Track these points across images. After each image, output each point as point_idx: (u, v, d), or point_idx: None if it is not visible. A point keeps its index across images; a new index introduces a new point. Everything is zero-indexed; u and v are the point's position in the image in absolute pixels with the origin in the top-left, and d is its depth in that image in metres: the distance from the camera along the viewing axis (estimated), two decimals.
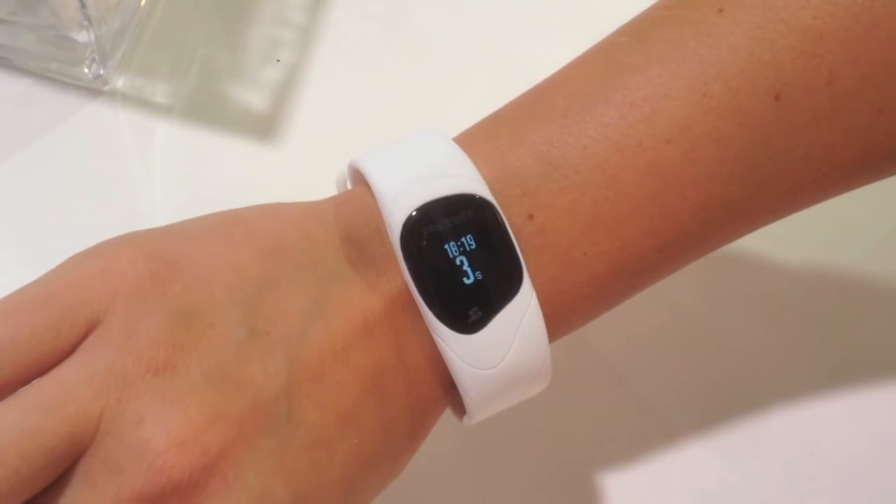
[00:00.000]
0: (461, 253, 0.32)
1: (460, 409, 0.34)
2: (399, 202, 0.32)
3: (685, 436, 0.43)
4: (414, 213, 0.32)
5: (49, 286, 0.30)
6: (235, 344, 0.30)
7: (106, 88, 0.49)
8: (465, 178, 0.32)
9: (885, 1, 0.33)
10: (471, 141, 0.34)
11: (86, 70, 0.48)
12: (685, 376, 0.45)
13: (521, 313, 0.32)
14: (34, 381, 0.29)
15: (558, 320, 0.33)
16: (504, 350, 0.32)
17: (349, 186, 0.35)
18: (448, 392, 0.33)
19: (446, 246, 0.32)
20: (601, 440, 0.43)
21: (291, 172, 0.48)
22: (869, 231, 0.49)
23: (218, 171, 0.48)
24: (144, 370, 0.29)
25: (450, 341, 0.31)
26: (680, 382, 0.45)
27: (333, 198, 0.34)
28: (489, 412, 0.34)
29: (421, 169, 0.32)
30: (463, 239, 0.32)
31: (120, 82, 0.49)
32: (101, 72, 0.48)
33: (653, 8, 0.36)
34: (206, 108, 0.49)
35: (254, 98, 0.49)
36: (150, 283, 0.30)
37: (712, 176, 0.33)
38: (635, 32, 0.35)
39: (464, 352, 0.32)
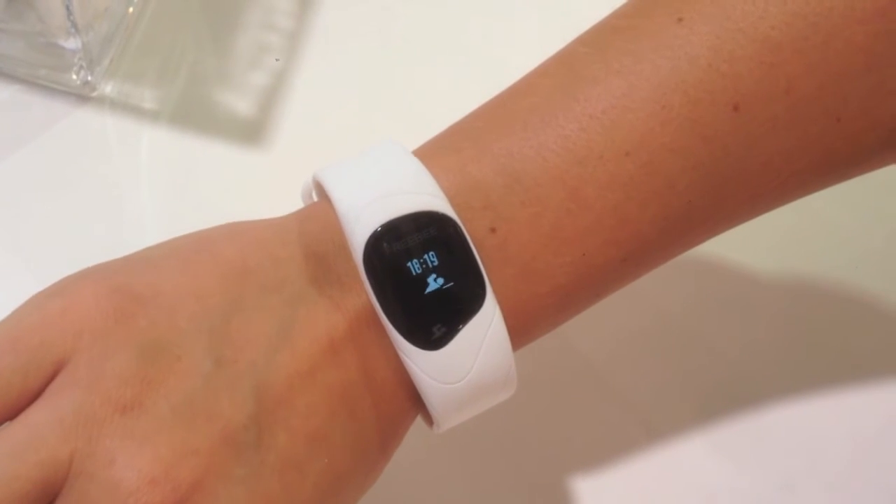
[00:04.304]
0: (424, 269, 0.32)
1: (429, 418, 0.34)
2: (361, 221, 0.32)
3: (669, 438, 0.44)
4: (376, 231, 0.32)
5: (13, 329, 0.30)
6: (202, 376, 0.30)
7: (94, 94, 0.49)
8: (426, 195, 0.32)
9: (842, 11, 0.33)
10: (432, 154, 0.34)
11: (74, 76, 0.48)
12: (669, 379, 0.45)
13: (485, 327, 0.32)
14: (3, 426, 0.30)
15: (522, 331, 0.34)
16: (469, 364, 0.32)
17: (314, 198, 0.36)
18: (416, 404, 0.33)
19: (409, 263, 0.32)
20: (584, 443, 0.43)
21: (278, 177, 0.48)
22: (856, 239, 0.49)
23: (205, 176, 0.48)
24: (113, 410, 0.29)
25: (415, 357, 0.32)
26: (664, 385, 0.45)
27: (297, 213, 0.35)
28: (457, 421, 0.34)
29: (382, 186, 0.33)
30: (426, 255, 0.32)
31: (108, 88, 0.49)
32: (89, 78, 0.48)
33: (612, 17, 0.36)
34: (194, 113, 0.49)
35: (241, 103, 0.50)
36: (115, 319, 0.30)
37: (672, 186, 0.33)
38: (594, 42, 0.35)
39: (429, 367, 0.32)
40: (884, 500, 0.43)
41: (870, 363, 0.46)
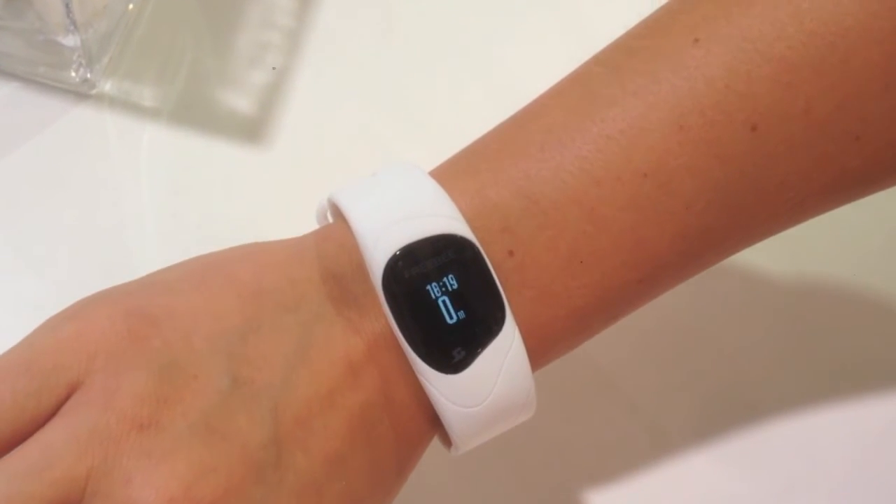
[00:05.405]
0: (443, 293, 0.32)
1: (447, 439, 0.34)
2: (380, 245, 0.32)
3: (676, 443, 0.44)
4: (395, 255, 0.32)
5: (27, 352, 0.30)
6: (219, 394, 0.30)
7: (93, 92, 0.49)
8: (445, 218, 0.32)
9: (859, 31, 0.33)
10: (449, 175, 0.34)
11: (73, 74, 0.48)
12: (678, 383, 0.45)
13: (505, 350, 0.32)
14: (19, 447, 0.29)
15: (540, 353, 0.34)
16: (489, 387, 0.32)
17: (329, 218, 0.35)
18: (434, 426, 0.33)
19: (428, 287, 0.32)
20: (591, 446, 0.44)
21: (278, 176, 0.48)
22: (862, 241, 0.49)
23: (205, 175, 0.48)
24: (129, 428, 0.29)
25: (434, 382, 0.32)
26: (672, 389, 0.45)
27: (314, 234, 0.34)
28: (477, 443, 0.34)
29: (401, 210, 0.32)
30: (445, 279, 0.32)
31: (107, 86, 0.49)
32: (89, 75, 0.48)
33: (626, 37, 0.36)
34: (194, 111, 0.49)
35: (241, 102, 0.49)
36: (129, 340, 0.30)
37: (690, 207, 0.33)
38: (610, 63, 0.35)
39: (449, 391, 0.32)
40: None
41: (874, 365, 0.46)
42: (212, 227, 0.47)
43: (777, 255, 0.48)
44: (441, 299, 0.32)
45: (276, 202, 0.48)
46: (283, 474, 0.30)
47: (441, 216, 0.32)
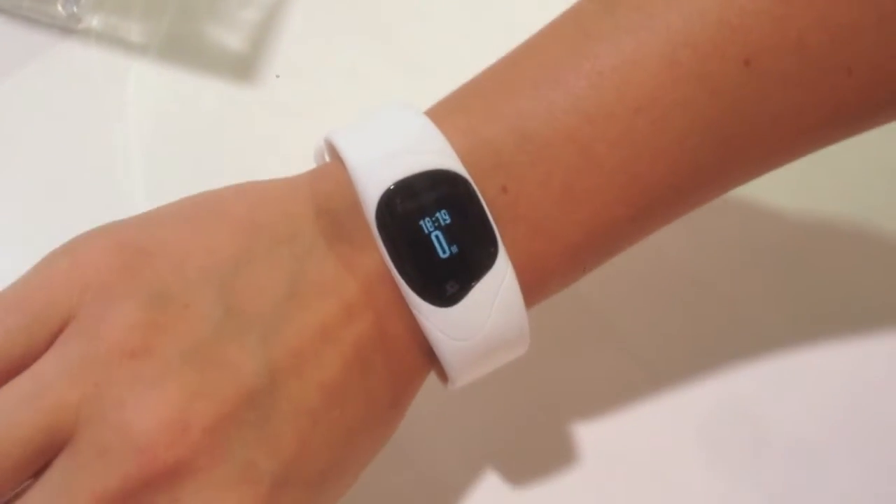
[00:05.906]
0: (436, 228, 0.32)
1: (443, 374, 0.34)
2: (374, 180, 0.32)
3: (670, 382, 0.44)
4: (389, 190, 0.32)
5: (21, 289, 0.31)
6: (212, 323, 0.30)
7: (80, 27, 0.48)
8: (438, 154, 0.33)
9: None
10: (443, 114, 0.34)
11: (59, 8, 0.47)
12: (672, 323, 0.45)
13: (498, 284, 0.32)
14: (12, 380, 0.30)
15: (534, 288, 0.34)
16: (482, 321, 0.32)
17: (327, 159, 0.36)
18: (429, 360, 0.34)
19: (421, 222, 0.32)
20: (586, 386, 0.44)
21: (267, 113, 0.48)
22: (864, 181, 0.49)
23: (193, 112, 0.48)
24: (120, 355, 0.29)
25: (428, 315, 0.32)
26: (667, 330, 0.45)
27: (309, 173, 0.35)
28: (472, 377, 0.34)
29: (394, 146, 0.33)
30: (438, 214, 0.32)
31: (94, 21, 0.49)
32: (75, 9, 0.48)
33: None
34: (182, 47, 0.49)
35: (231, 38, 0.49)
36: (121, 272, 0.31)
37: (682, 143, 0.33)
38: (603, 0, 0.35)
39: (443, 324, 0.32)
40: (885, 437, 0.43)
41: (875, 306, 0.46)
42: (200, 166, 0.47)
43: (776, 196, 0.48)
44: (434, 234, 0.32)
45: (266, 141, 0.48)
46: (277, 400, 0.31)
47: (434, 152, 0.33)
